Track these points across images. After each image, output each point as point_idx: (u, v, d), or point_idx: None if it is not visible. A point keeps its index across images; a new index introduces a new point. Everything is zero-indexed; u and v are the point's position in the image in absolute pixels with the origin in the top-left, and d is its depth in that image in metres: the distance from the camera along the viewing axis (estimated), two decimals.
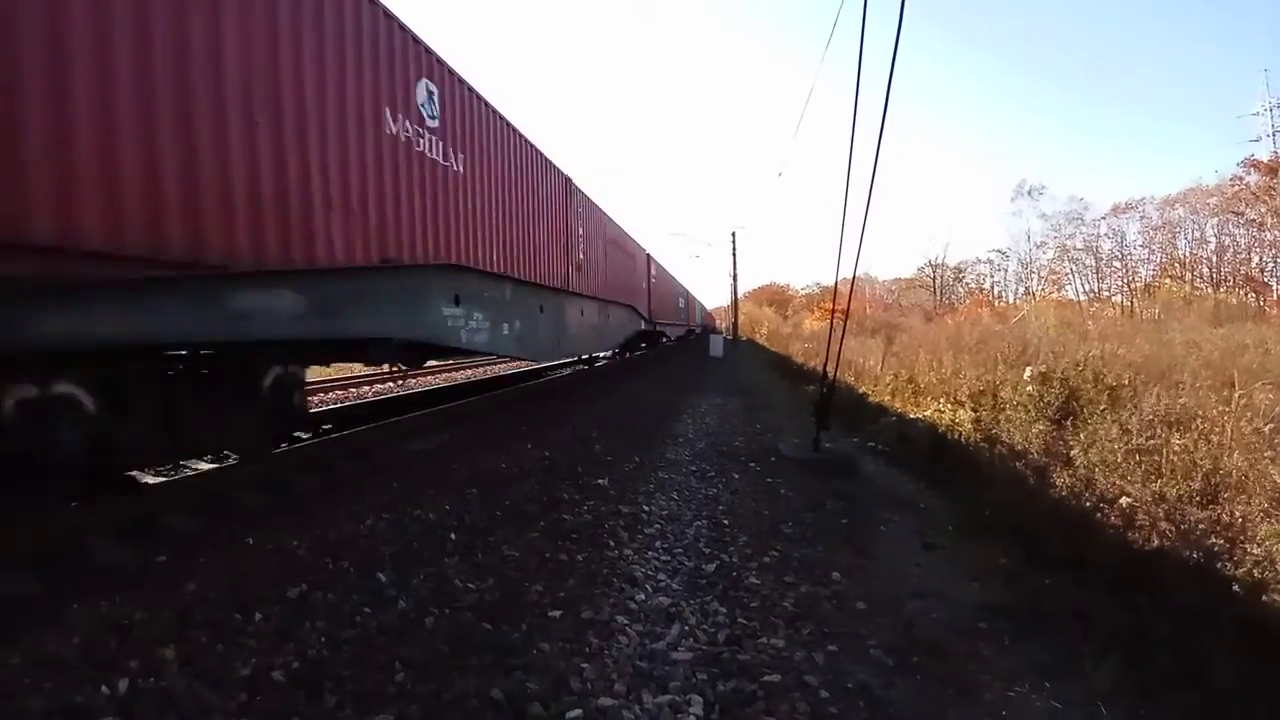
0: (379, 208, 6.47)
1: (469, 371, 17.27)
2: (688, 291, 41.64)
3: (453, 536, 4.48)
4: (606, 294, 15.30)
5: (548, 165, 11.86)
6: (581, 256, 14.28)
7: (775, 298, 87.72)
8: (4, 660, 2.64)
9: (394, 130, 6.73)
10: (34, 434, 3.74)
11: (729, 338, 40.15)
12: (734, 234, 45.60)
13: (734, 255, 45.78)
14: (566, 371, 15.92)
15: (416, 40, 7.10)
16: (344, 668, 2.84)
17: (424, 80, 7.31)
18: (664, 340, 29.64)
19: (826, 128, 78.95)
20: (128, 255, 4.00)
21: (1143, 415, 7.58)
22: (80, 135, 3.73)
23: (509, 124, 9.79)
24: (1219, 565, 4.56)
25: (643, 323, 18.72)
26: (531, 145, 10.88)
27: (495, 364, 18.43)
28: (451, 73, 7.88)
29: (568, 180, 13.18)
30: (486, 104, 8.95)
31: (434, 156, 7.56)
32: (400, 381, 13.95)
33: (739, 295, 49.51)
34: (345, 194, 5.98)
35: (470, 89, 8.41)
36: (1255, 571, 4.44)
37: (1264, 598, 4.10)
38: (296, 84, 5.40)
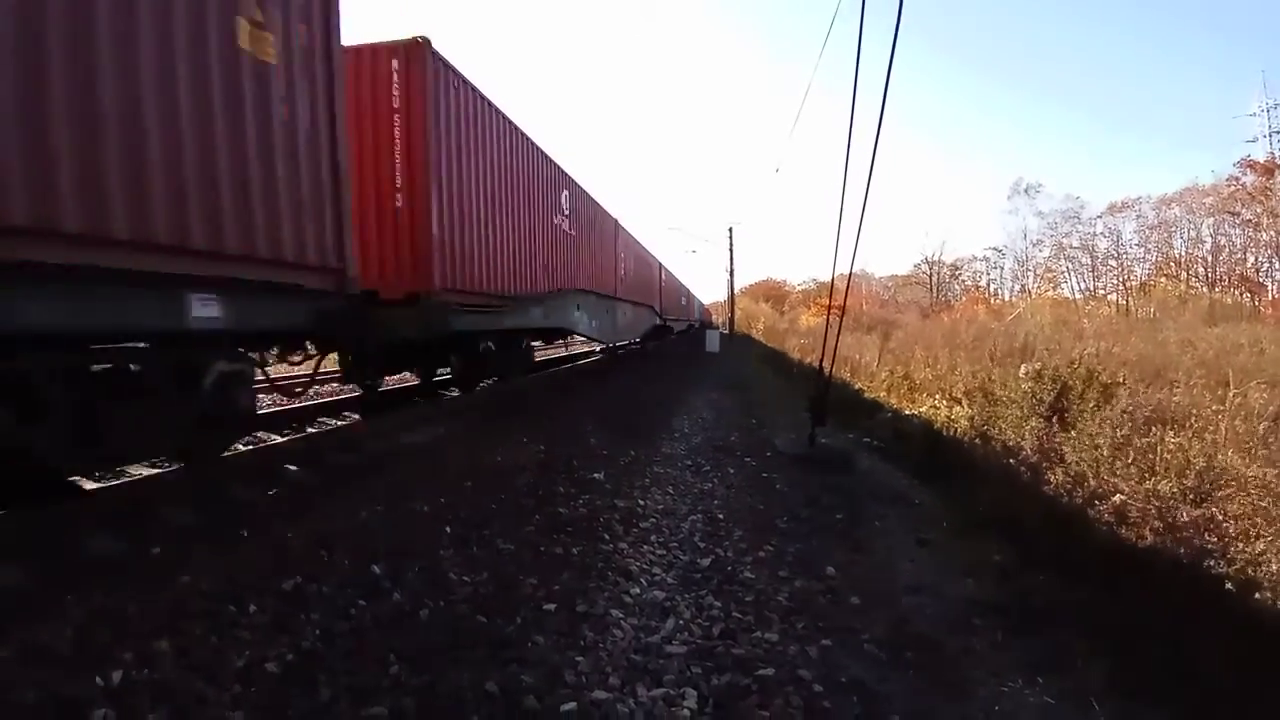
0: (551, 262, 12.32)
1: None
2: (689, 290, 46.27)
3: (448, 529, 4.47)
4: (635, 297, 21.61)
5: (608, 216, 17.79)
6: (623, 271, 19.44)
7: (772, 293, 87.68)
8: None
9: (555, 221, 12.62)
10: None
11: (725, 333, 40.17)
12: (731, 229, 45.54)
13: (731, 251, 45.74)
14: (566, 366, 16.93)
15: (563, 171, 13.01)
16: (338, 660, 2.84)
17: (565, 190, 13.28)
18: (671, 334, 34.60)
19: (824, 123, 78.86)
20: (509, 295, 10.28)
21: (1135, 413, 7.60)
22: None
23: (595, 200, 16.03)
24: (1211, 563, 4.57)
25: (657, 318, 25.80)
26: (603, 208, 17.12)
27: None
28: (575, 182, 14.01)
29: (616, 221, 18.94)
30: (589, 194, 15.39)
31: (568, 230, 13.47)
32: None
33: (735, 291, 49.51)
34: (543, 257, 11.81)
35: (584, 190, 14.83)
36: (1248, 570, 4.46)
37: (1256, 595, 4.12)
38: (527, 209, 10.90)
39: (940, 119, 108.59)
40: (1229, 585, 4.26)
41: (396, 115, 7.42)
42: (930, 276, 63.33)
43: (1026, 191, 55.82)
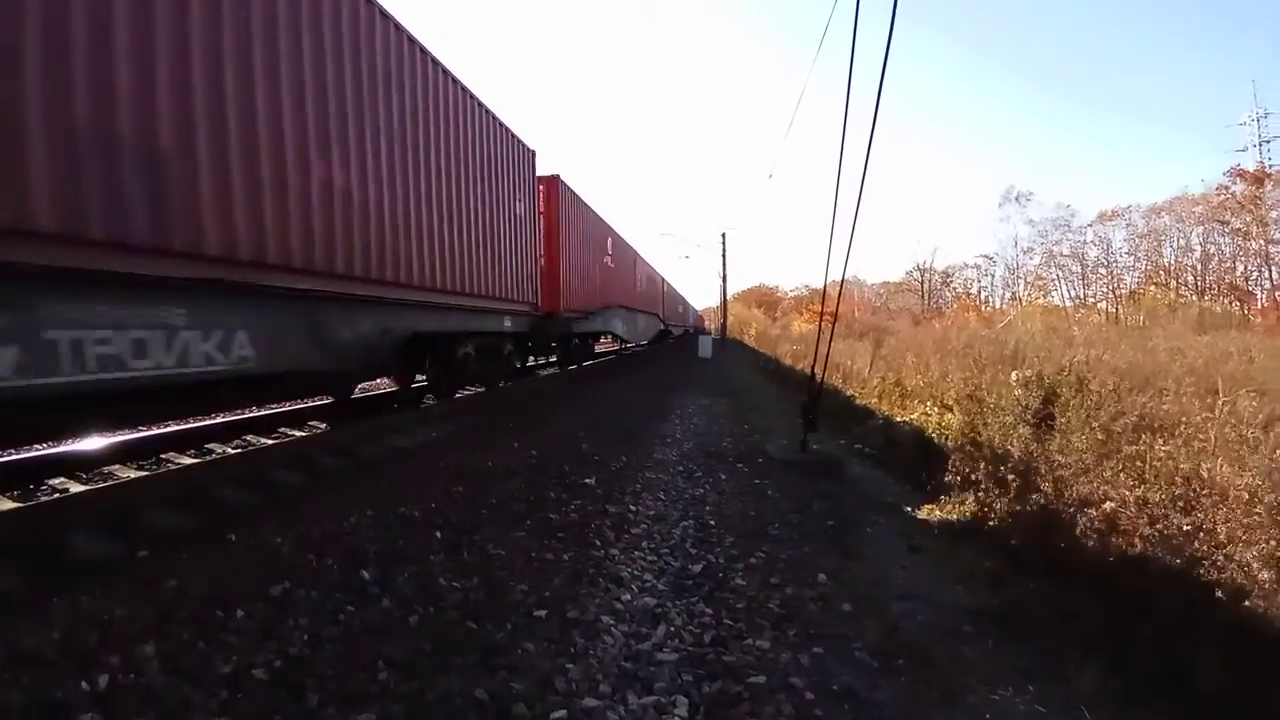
0: (606, 288, 18.55)
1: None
2: (684, 298, 52.78)
3: (438, 534, 4.45)
4: (646, 307, 27.55)
5: (630, 248, 23.48)
6: (638, 287, 25.27)
7: (764, 299, 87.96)
8: None
9: (605, 261, 18.57)
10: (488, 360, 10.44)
11: (718, 338, 40.18)
12: (724, 235, 45.59)
13: (724, 256, 45.78)
14: (571, 367, 18.08)
15: (610, 227, 19.11)
16: (326, 666, 2.82)
17: (610, 238, 19.16)
18: (671, 337, 41.08)
19: (817, 130, 79.09)
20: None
21: (1125, 420, 7.62)
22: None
23: (624, 239, 21.80)
24: (1201, 570, 4.58)
25: (661, 324, 32.24)
26: (628, 244, 22.97)
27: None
28: (615, 231, 19.82)
29: (636, 251, 25.04)
30: (622, 237, 21.35)
31: (610, 265, 19.23)
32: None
33: (728, 296, 49.49)
34: (598, 284, 17.49)
35: (619, 235, 20.86)
36: (1237, 577, 4.47)
37: (1246, 602, 4.13)
38: (595, 256, 17.29)
39: (932, 127, 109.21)
40: (1219, 593, 4.27)
41: (541, 215, 12.91)
42: (922, 283, 63.56)
43: (1018, 199, 56.15)
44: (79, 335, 3.77)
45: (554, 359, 17.40)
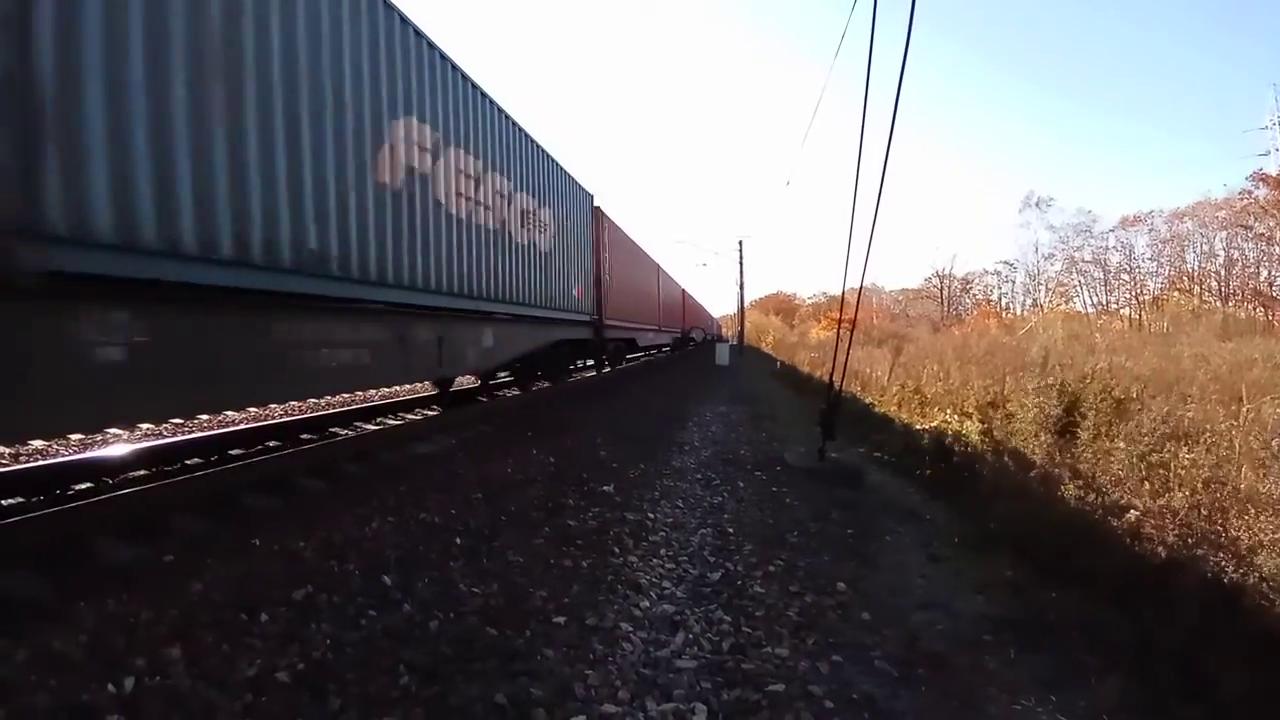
0: (639, 301, 20.82)
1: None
2: (703, 306, 53.71)
3: (458, 541, 4.48)
4: (671, 317, 30.56)
5: (655, 263, 25.71)
6: (663, 300, 27.92)
7: (782, 307, 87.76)
8: (9, 657, 2.65)
9: (638, 277, 21.23)
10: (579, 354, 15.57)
11: (735, 346, 40.12)
12: (741, 243, 45.59)
13: (741, 264, 45.78)
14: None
15: (637, 244, 20.92)
16: (349, 670, 2.84)
17: (642, 257, 22.39)
18: (692, 344, 42.52)
19: (835, 137, 78.98)
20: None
21: (1148, 428, 7.55)
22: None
23: (652, 258, 24.74)
24: (1225, 579, 4.53)
25: (683, 332, 35.49)
26: (655, 262, 25.68)
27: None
28: (662, 268, 26.71)
29: (660, 267, 26.95)
30: (662, 267, 26.85)
31: (642, 282, 21.99)
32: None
33: (745, 304, 49.46)
34: (636, 304, 20.23)
35: (667, 273, 28.60)
36: (1262, 586, 4.41)
37: (1272, 611, 4.08)
38: (641, 277, 22.02)
39: (951, 133, 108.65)
40: (1244, 602, 4.22)
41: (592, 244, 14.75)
42: (941, 290, 63.25)
43: (1038, 205, 55.79)
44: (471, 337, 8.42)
45: (590, 362, 18.83)
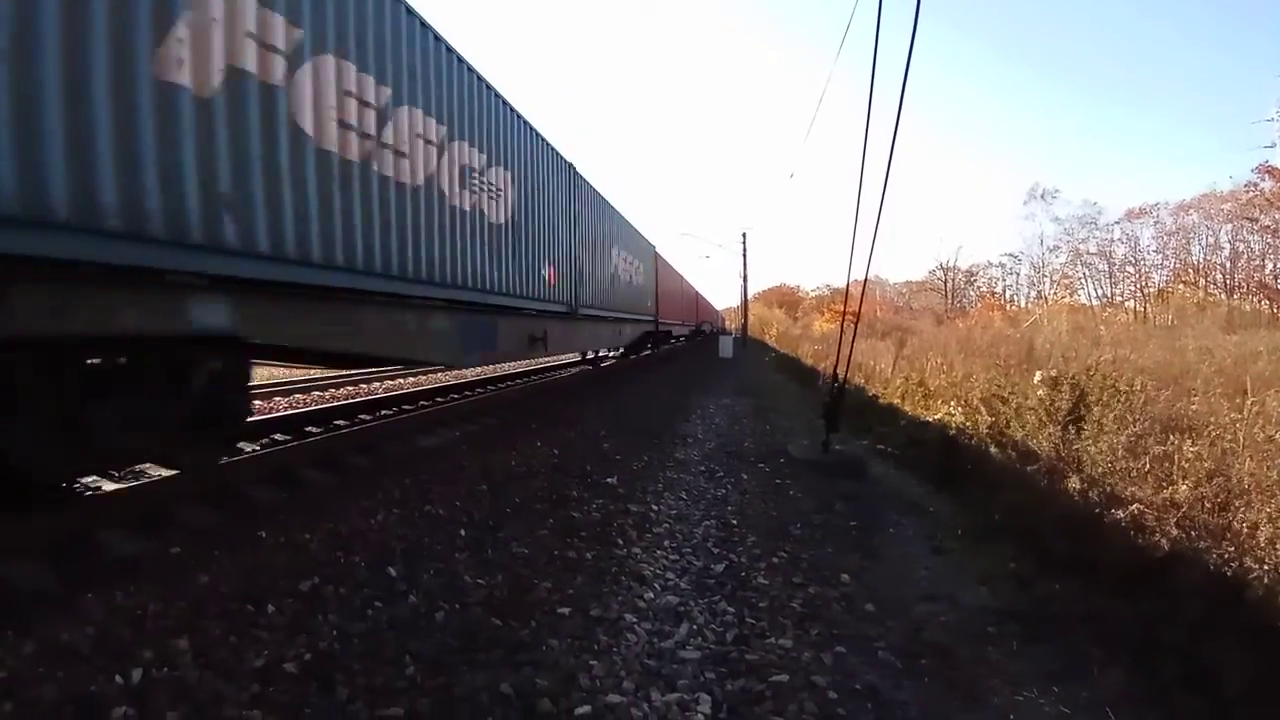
0: (670, 304, 26.74)
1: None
2: (710, 303, 56.47)
3: (462, 533, 4.51)
4: (689, 314, 35.37)
5: (681, 275, 32.25)
6: (685, 302, 32.29)
7: (785, 299, 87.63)
8: (18, 649, 2.67)
9: (681, 296, 32.14)
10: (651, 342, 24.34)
11: (739, 338, 40.14)
12: (744, 235, 45.56)
13: (744, 256, 45.75)
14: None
15: (682, 275, 33.86)
16: (355, 660, 2.87)
17: (684, 282, 34.24)
18: (701, 335, 45.51)
19: (839, 129, 78.76)
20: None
21: (1153, 420, 7.54)
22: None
23: (679, 272, 31.66)
24: (1230, 572, 4.53)
25: (696, 325, 39.48)
26: (680, 274, 32.27)
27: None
28: (685, 279, 34.83)
29: (683, 277, 33.22)
30: (689, 282, 36.98)
31: (675, 290, 29.36)
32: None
33: (749, 296, 49.42)
34: (669, 302, 25.99)
35: (689, 282, 37.04)
36: (1266, 579, 4.41)
37: (1274, 604, 4.07)
38: (677, 288, 31.34)
39: (956, 125, 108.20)
40: (1248, 595, 4.22)
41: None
42: (945, 282, 63.09)
43: (1043, 197, 55.51)
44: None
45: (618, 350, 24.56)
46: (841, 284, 9.76)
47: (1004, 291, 59.80)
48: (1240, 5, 77.34)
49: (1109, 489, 6.14)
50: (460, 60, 7.33)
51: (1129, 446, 6.77)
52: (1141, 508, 5.50)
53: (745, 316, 48.88)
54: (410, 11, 6.35)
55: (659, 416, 10.48)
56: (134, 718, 2.39)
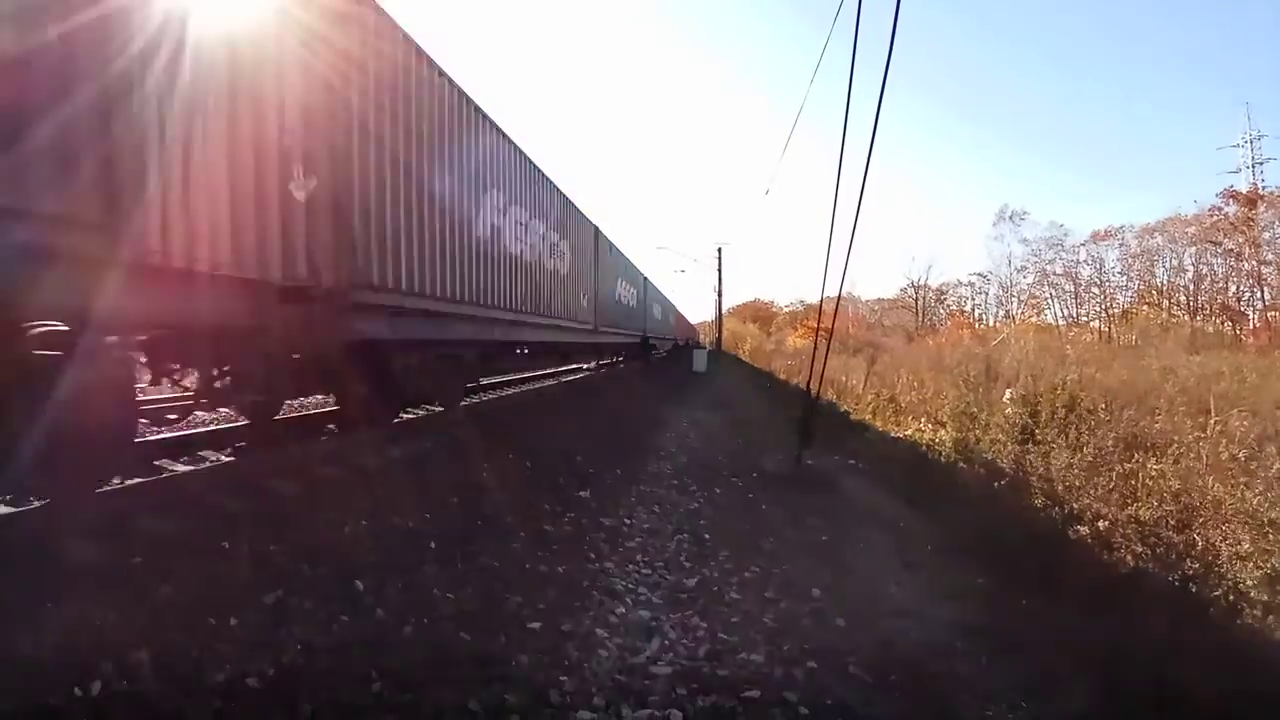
0: (662, 325, 32.78)
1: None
2: (685, 318, 57.04)
3: (432, 545, 4.44)
4: (669, 330, 36.49)
5: (668, 300, 36.79)
6: (670, 321, 35.38)
7: (759, 314, 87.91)
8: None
9: (664, 315, 34.24)
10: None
11: (712, 352, 40.26)
12: (720, 250, 45.82)
13: (719, 271, 45.97)
14: (568, 378, 18.26)
15: (668, 297, 37.56)
16: (320, 676, 2.81)
17: (667, 303, 36.67)
18: (678, 348, 47.58)
19: (815, 147, 79.47)
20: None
21: (1116, 438, 7.67)
22: None
23: (667, 298, 36.58)
24: (1193, 587, 4.61)
25: (675, 340, 40.74)
26: (668, 299, 37.05)
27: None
28: (670, 301, 38.44)
29: (669, 301, 36.95)
30: (671, 302, 38.95)
31: (667, 317, 35.19)
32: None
33: (723, 311, 49.64)
34: (663, 326, 33.22)
35: (671, 302, 39.25)
36: (1229, 596, 4.49)
37: (1237, 620, 4.15)
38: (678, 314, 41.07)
39: (928, 144, 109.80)
40: (1211, 609, 4.29)
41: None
42: (916, 300, 63.77)
43: (1012, 218, 56.30)
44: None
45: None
46: (815, 300, 9.82)
47: (973, 310, 60.63)
48: (1207, 35, 79.50)
49: (1073, 506, 6.23)
50: (549, 180, 11.20)
51: (1092, 464, 6.87)
52: (1107, 525, 5.59)
53: (719, 331, 49.03)
54: (533, 164, 10.28)
55: (632, 430, 10.45)
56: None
